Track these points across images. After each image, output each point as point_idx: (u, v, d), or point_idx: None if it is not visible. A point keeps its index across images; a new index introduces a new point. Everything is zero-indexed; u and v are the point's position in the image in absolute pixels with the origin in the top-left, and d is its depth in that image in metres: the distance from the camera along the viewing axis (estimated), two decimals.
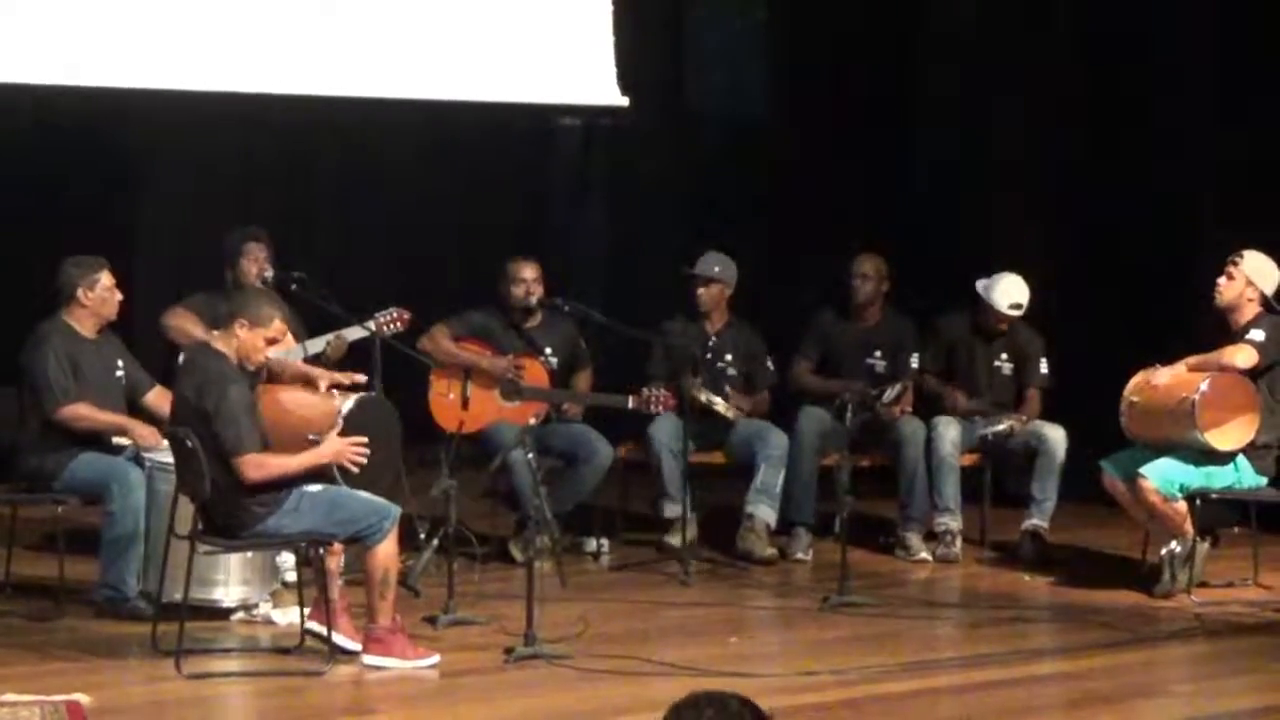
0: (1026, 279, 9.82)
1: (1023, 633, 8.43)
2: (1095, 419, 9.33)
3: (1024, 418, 9.75)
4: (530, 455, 8.05)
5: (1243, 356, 8.79)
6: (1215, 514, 9.05)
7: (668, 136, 12.13)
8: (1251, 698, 7.40)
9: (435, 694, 7.34)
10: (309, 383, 8.08)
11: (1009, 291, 9.76)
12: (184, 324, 8.86)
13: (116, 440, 8.26)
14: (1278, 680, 7.57)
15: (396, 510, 7.49)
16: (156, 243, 10.86)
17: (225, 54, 10.56)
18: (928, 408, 9.87)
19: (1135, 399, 9.00)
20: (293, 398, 8.02)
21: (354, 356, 8.94)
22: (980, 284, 9.83)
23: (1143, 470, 8.79)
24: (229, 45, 10.56)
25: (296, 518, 7.37)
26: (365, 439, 7.57)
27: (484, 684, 7.37)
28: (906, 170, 12.22)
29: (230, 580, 8.09)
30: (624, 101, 11.46)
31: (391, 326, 9.11)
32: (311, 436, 7.68)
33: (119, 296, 8.35)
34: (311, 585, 7.66)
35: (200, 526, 7.42)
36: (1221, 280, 8.95)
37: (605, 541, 9.60)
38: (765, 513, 9.50)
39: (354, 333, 9.03)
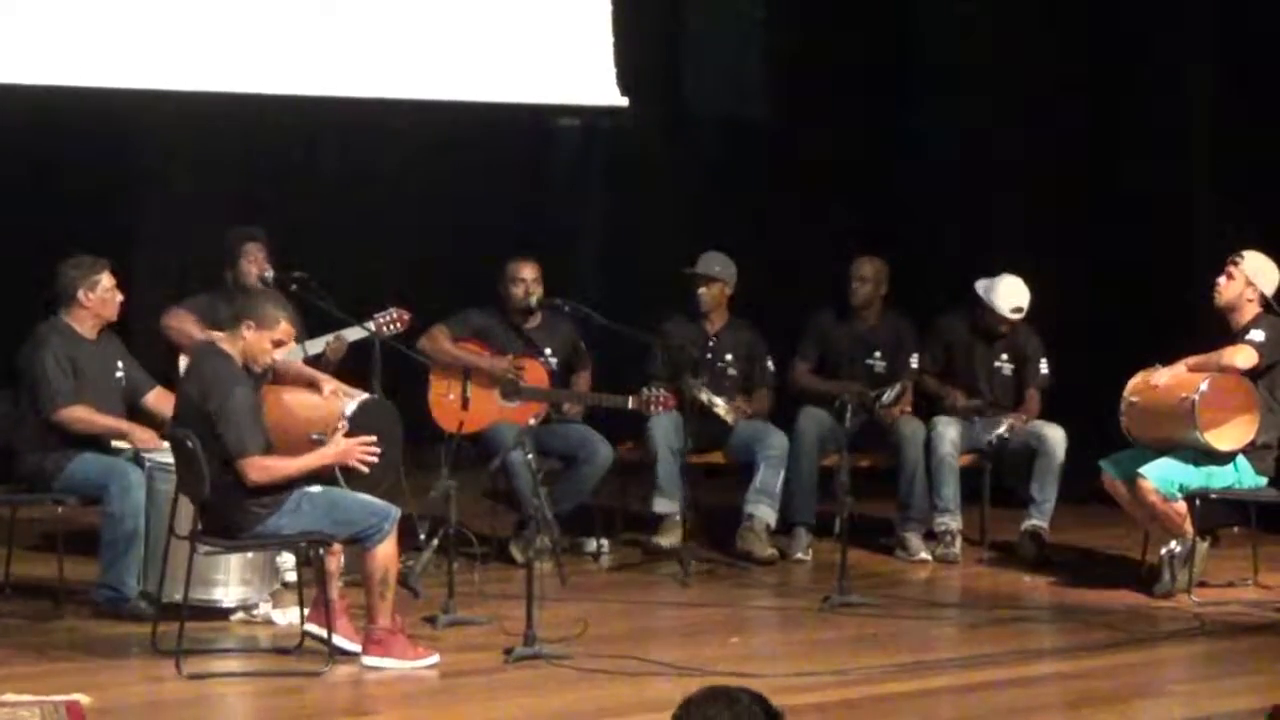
0: (1026, 279, 9.82)
1: (1022, 633, 8.43)
2: (1095, 419, 9.33)
3: (1024, 417, 9.75)
4: (530, 456, 8.05)
5: (1242, 357, 8.80)
6: (1215, 514, 9.05)
7: (667, 137, 12.13)
8: (1251, 698, 7.39)
9: (435, 694, 7.34)
10: (313, 385, 8.08)
11: (1010, 295, 9.76)
12: (184, 325, 8.86)
13: (114, 445, 8.26)
14: (1277, 680, 7.56)
15: (396, 511, 7.49)
16: (156, 243, 10.85)
17: (225, 54, 10.56)
18: (927, 408, 9.87)
19: (1135, 399, 9.00)
20: (296, 398, 8.02)
21: (354, 357, 8.94)
22: (980, 286, 9.82)
23: (1142, 470, 8.79)
24: (229, 45, 10.56)
25: (296, 518, 7.38)
26: (374, 437, 7.57)
27: (484, 684, 7.37)
28: (906, 170, 12.22)
29: (230, 581, 8.09)
30: (623, 102, 11.46)
31: (391, 327, 9.10)
32: (314, 436, 7.68)
33: (119, 297, 8.35)
34: (311, 586, 7.66)
35: (200, 527, 7.42)
36: (1221, 280, 8.95)
37: (605, 542, 9.60)
38: (765, 513, 9.50)
39: (354, 333, 9.02)
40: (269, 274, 8.89)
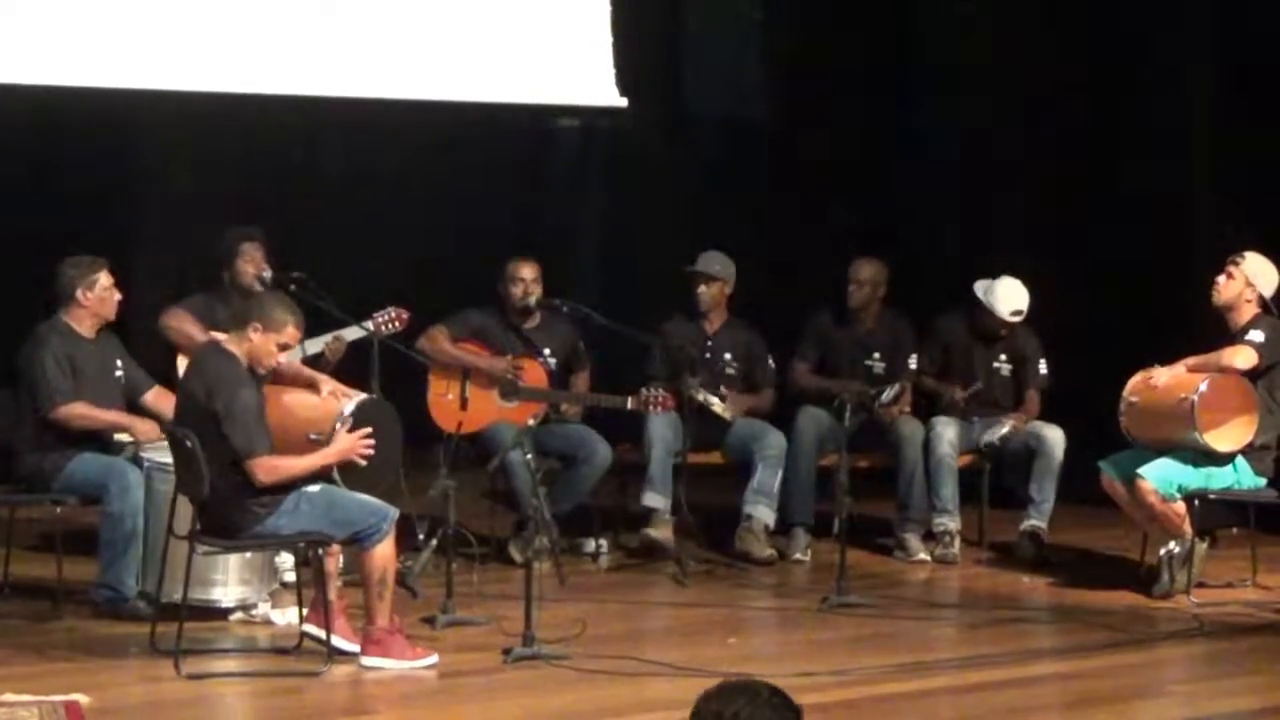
0: (1026, 279, 9.81)
1: (1021, 633, 8.43)
2: (1094, 420, 9.33)
3: (1024, 418, 9.75)
4: (529, 456, 8.06)
5: (1242, 357, 8.79)
6: (1214, 515, 9.05)
7: (667, 137, 12.13)
8: (1250, 698, 7.41)
9: (433, 694, 7.34)
10: (311, 386, 8.08)
11: (1009, 297, 9.76)
12: (183, 325, 8.85)
13: (117, 438, 8.26)
14: (1276, 681, 7.57)
15: (394, 511, 7.50)
16: (156, 243, 10.85)
17: (225, 54, 10.56)
18: (926, 409, 9.87)
19: (1134, 400, 9.01)
20: (295, 399, 8.02)
21: (353, 357, 8.94)
22: (979, 288, 9.82)
23: (1141, 471, 8.79)
24: (229, 45, 10.56)
25: (295, 518, 7.38)
26: (370, 429, 7.58)
27: (482, 684, 7.37)
28: (906, 170, 12.22)
29: (229, 581, 8.09)
30: (623, 102, 11.46)
31: (390, 327, 9.10)
32: (312, 437, 7.68)
33: (118, 297, 8.35)
34: (310, 586, 7.66)
35: (199, 527, 7.42)
36: (1221, 279, 8.95)
37: (604, 542, 9.60)
38: (764, 513, 9.50)
39: (352, 333, 9.02)
40: (267, 274, 8.88)
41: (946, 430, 9.66)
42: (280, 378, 7.81)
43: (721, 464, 9.74)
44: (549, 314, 9.63)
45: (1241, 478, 8.86)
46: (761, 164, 12.14)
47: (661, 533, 9.41)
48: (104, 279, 8.30)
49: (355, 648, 7.49)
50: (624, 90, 11.43)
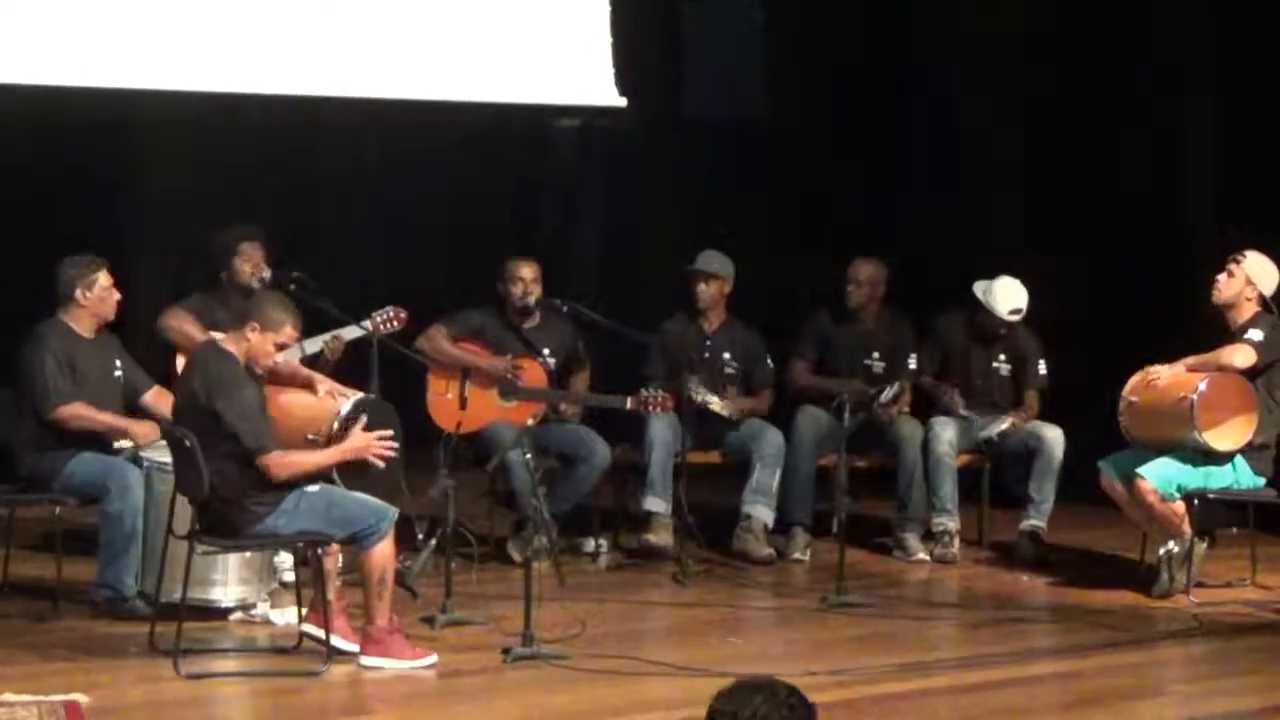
0: (1026, 279, 9.81)
1: (1021, 633, 8.43)
2: (1094, 419, 9.33)
3: (1024, 416, 9.75)
4: (528, 456, 8.06)
5: (1241, 356, 8.79)
6: (1213, 514, 9.05)
7: (666, 137, 12.12)
8: (1249, 698, 7.41)
9: (432, 694, 7.34)
10: (308, 386, 8.08)
11: (1008, 297, 9.76)
12: (182, 324, 8.85)
13: (117, 444, 8.26)
14: (1276, 680, 7.57)
15: (394, 511, 7.50)
16: (155, 243, 10.85)
17: (225, 54, 10.55)
18: (926, 409, 9.87)
19: (1134, 399, 9.01)
20: (292, 399, 8.02)
21: (351, 356, 8.94)
22: (978, 287, 9.82)
23: (1141, 470, 8.79)
24: (229, 45, 10.56)
25: (294, 518, 7.38)
26: (391, 431, 7.58)
27: (481, 684, 7.37)
28: (906, 170, 12.21)
29: (228, 580, 8.09)
30: (622, 102, 11.45)
31: (388, 326, 9.10)
32: (310, 437, 7.69)
33: (117, 296, 8.35)
34: (309, 585, 7.66)
35: (198, 526, 7.42)
36: (1221, 278, 8.95)
37: (603, 542, 9.60)
38: (762, 513, 9.50)
39: (351, 332, 9.02)
40: (266, 274, 8.88)
41: (945, 430, 9.66)
42: (277, 378, 7.81)
43: (721, 464, 9.74)
44: (549, 314, 9.64)
45: (1241, 477, 8.86)
46: (761, 164, 12.14)
47: (661, 538, 9.41)
48: (103, 279, 8.30)
49: (354, 647, 7.49)
50: (624, 90, 11.42)
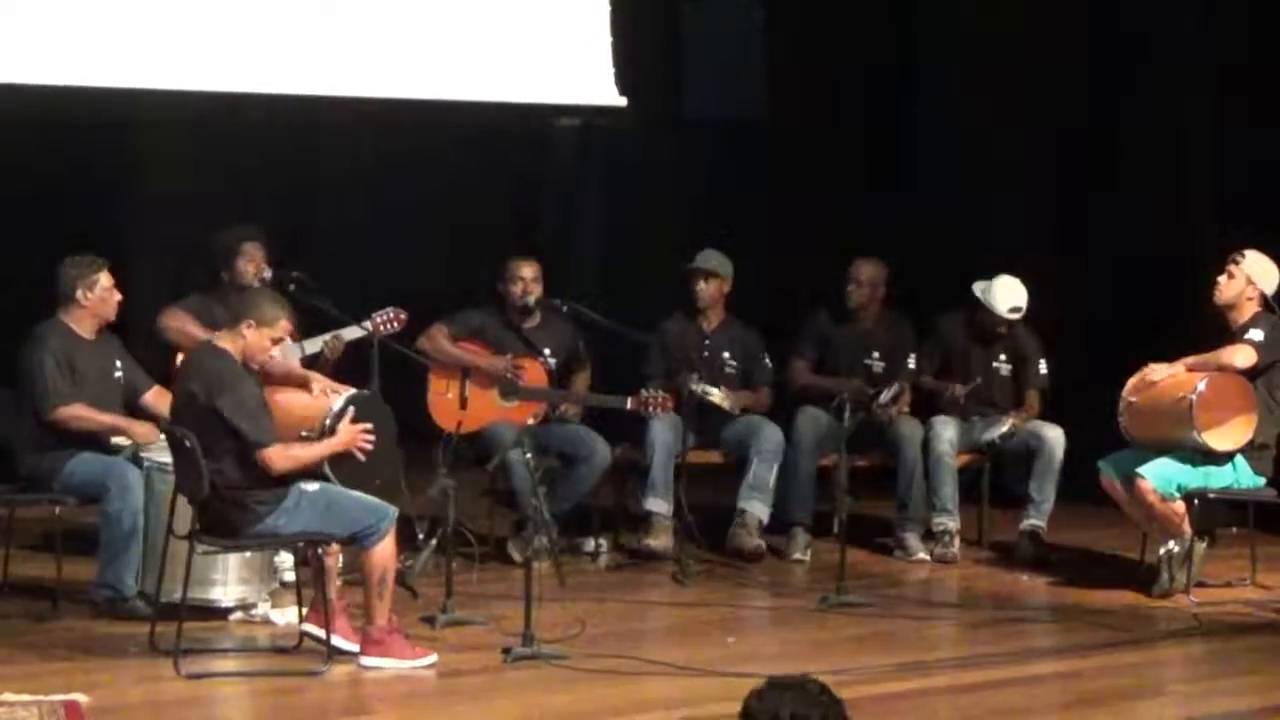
0: (1026, 279, 9.81)
1: (1021, 633, 8.43)
2: (1094, 419, 9.33)
3: (1024, 416, 9.75)
4: (528, 455, 8.06)
5: (1241, 356, 8.79)
6: (1213, 514, 9.04)
7: (666, 136, 12.12)
8: (1249, 698, 7.41)
9: (433, 694, 7.34)
10: (303, 385, 8.08)
11: (1007, 295, 9.76)
12: (182, 325, 8.85)
13: (115, 441, 8.26)
14: (1275, 680, 7.57)
15: (394, 511, 7.50)
16: (155, 243, 10.85)
17: (225, 54, 10.55)
18: (926, 408, 9.86)
19: (1133, 399, 9.00)
20: (286, 398, 8.01)
21: (352, 357, 8.94)
22: (978, 287, 9.82)
23: (1141, 470, 8.79)
24: (229, 45, 10.56)
25: (295, 518, 7.38)
26: (371, 425, 7.59)
27: (482, 684, 7.37)
28: (906, 170, 12.21)
29: (228, 580, 8.09)
30: (622, 101, 11.45)
31: (389, 326, 9.10)
32: (303, 434, 7.69)
33: (118, 297, 8.35)
34: (309, 585, 7.66)
35: (198, 526, 7.42)
36: (1222, 278, 8.95)
37: (603, 542, 9.59)
38: (758, 509, 9.50)
39: (351, 333, 9.03)
40: (267, 274, 8.89)
41: (946, 430, 9.66)
42: (271, 378, 7.81)
43: (721, 463, 9.74)
44: (549, 314, 9.64)
45: (1240, 477, 8.86)
46: (762, 164, 12.14)
47: (661, 541, 9.40)
48: (104, 279, 8.30)
49: (355, 647, 7.49)
50: (624, 90, 11.42)
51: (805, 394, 9.88)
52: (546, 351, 9.61)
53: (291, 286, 8.67)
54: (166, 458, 7.75)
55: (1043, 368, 9.90)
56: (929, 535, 9.68)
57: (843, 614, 8.45)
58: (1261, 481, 8.93)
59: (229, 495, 7.34)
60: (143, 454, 8.14)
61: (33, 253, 9.06)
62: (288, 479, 7.38)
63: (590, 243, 12.36)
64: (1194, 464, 8.79)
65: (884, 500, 9.87)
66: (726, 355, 9.86)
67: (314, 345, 8.95)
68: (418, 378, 9.35)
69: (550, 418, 9.51)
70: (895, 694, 7.27)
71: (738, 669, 7.36)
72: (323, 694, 7.24)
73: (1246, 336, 8.83)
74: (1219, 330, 8.98)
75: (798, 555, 9.56)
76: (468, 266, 10.46)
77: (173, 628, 7.34)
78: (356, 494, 7.51)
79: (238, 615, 8.13)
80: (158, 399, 8.34)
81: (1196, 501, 8.83)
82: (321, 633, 7.45)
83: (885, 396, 9.37)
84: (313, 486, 7.44)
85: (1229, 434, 8.74)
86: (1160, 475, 8.78)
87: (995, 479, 9.88)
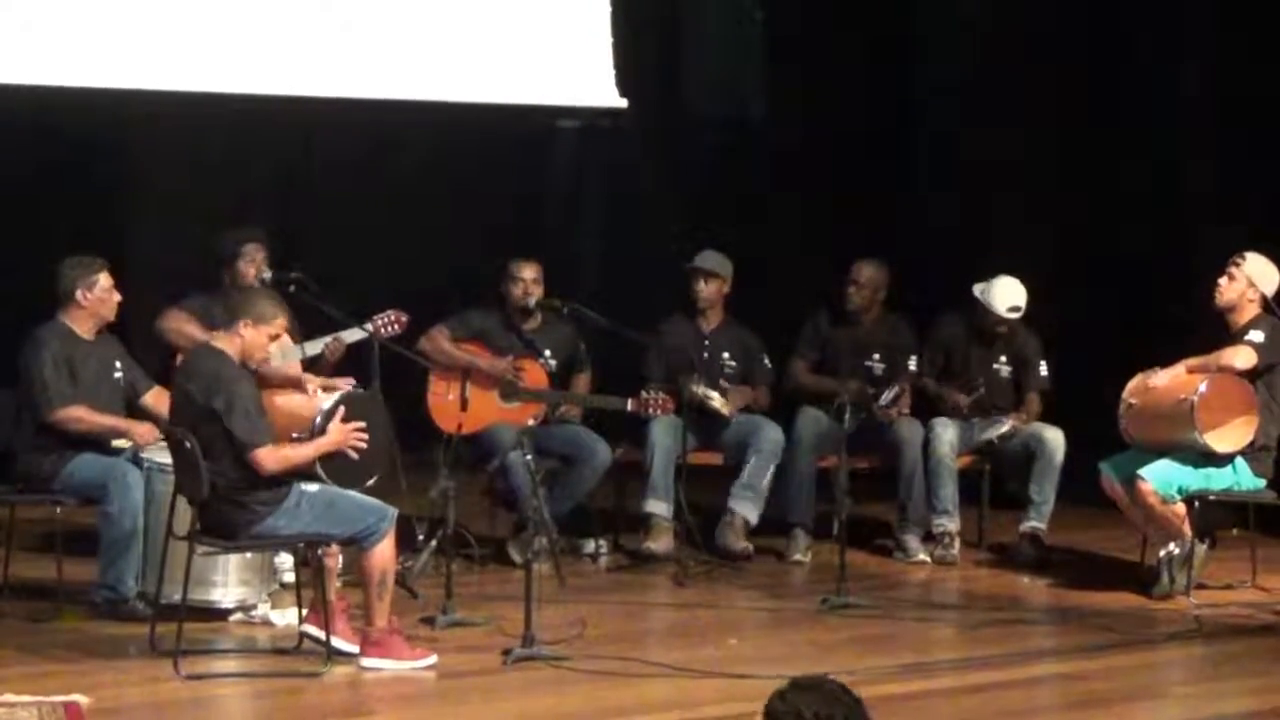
0: (1026, 280, 9.81)
1: (1021, 635, 8.41)
2: (1094, 421, 9.32)
3: (1024, 417, 9.75)
4: (529, 457, 8.05)
5: (1242, 358, 8.79)
6: (1213, 516, 9.04)
7: (666, 137, 12.12)
8: (1250, 700, 7.40)
9: (433, 695, 7.34)
10: (298, 387, 8.08)
11: (1006, 295, 9.75)
12: (182, 326, 8.85)
13: (115, 442, 8.26)
14: (1276, 682, 7.57)
15: (393, 512, 7.50)
16: (155, 244, 10.85)
17: (224, 55, 10.56)
18: (926, 410, 9.86)
19: (1134, 401, 9.00)
20: (281, 399, 7.99)
21: (353, 359, 8.94)
22: (977, 288, 9.81)
23: (1141, 472, 8.79)
24: (228, 46, 10.57)
25: (294, 519, 7.38)
26: (363, 424, 7.59)
27: (482, 685, 7.37)
28: (906, 171, 12.21)
29: (228, 581, 8.09)
30: (622, 103, 11.46)
31: (389, 328, 9.10)
32: (295, 435, 7.68)
33: (117, 298, 8.34)
34: (309, 586, 7.66)
35: (198, 527, 7.42)
36: (1222, 280, 8.94)
37: (603, 543, 9.59)
38: (747, 509, 9.50)
39: (352, 334, 9.02)
40: (267, 275, 8.89)
41: (946, 431, 9.65)
42: (265, 379, 7.81)
43: (721, 464, 9.73)
44: (550, 315, 9.63)
45: (1241, 479, 8.86)
46: (762, 164, 12.14)
47: (661, 544, 9.40)
48: (104, 280, 8.29)
49: (354, 648, 7.48)
50: (624, 90, 11.43)
51: (805, 395, 9.88)
52: (547, 353, 9.61)
53: (292, 288, 8.67)
54: (166, 458, 7.75)
55: (1043, 369, 9.90)
56: (929, 537, 9.68)
57: (843, 615, 8.44)
58: (1262, 483, 8.93)
59: (229, 496, 7.34)
60: (143, 454, 8.14)
61: (33, 253, 9.06)
62: (283, 480, 7.37)
63: (591, 242, 12.35)
64: (1194, 466, 8.79)
65: (884, 502, 9.87)
66: (726, 356, 9.86)
67: (314, 347, 8.94)
68: (418, 379, 9.35)
69: (550, 419, 9.51)
70: (895, 695, 7.26)
71: (738, 671, 7.37)
72: (322, 695, 7.24)
73: (1247, 338, 8.83)
74: (1219, 331, 8.97)
75: (798, 557, 9.56)
76: (468, 266, 10.45)
77: (173, 629, 7.35)
78: (356, 495, 7.50)
79: (238, 616, 8.13)
80: (158, 400, 8.33)
81: (1197, 503, 8.83)
82: (321, 634, 7.45)
83: (885, 398, 9.37)
84: (313, 487, 7.44)
85: (1230, 435, 8.74)
86: (1161, 477, 8.77)
87: (995, 481, 9.87)
